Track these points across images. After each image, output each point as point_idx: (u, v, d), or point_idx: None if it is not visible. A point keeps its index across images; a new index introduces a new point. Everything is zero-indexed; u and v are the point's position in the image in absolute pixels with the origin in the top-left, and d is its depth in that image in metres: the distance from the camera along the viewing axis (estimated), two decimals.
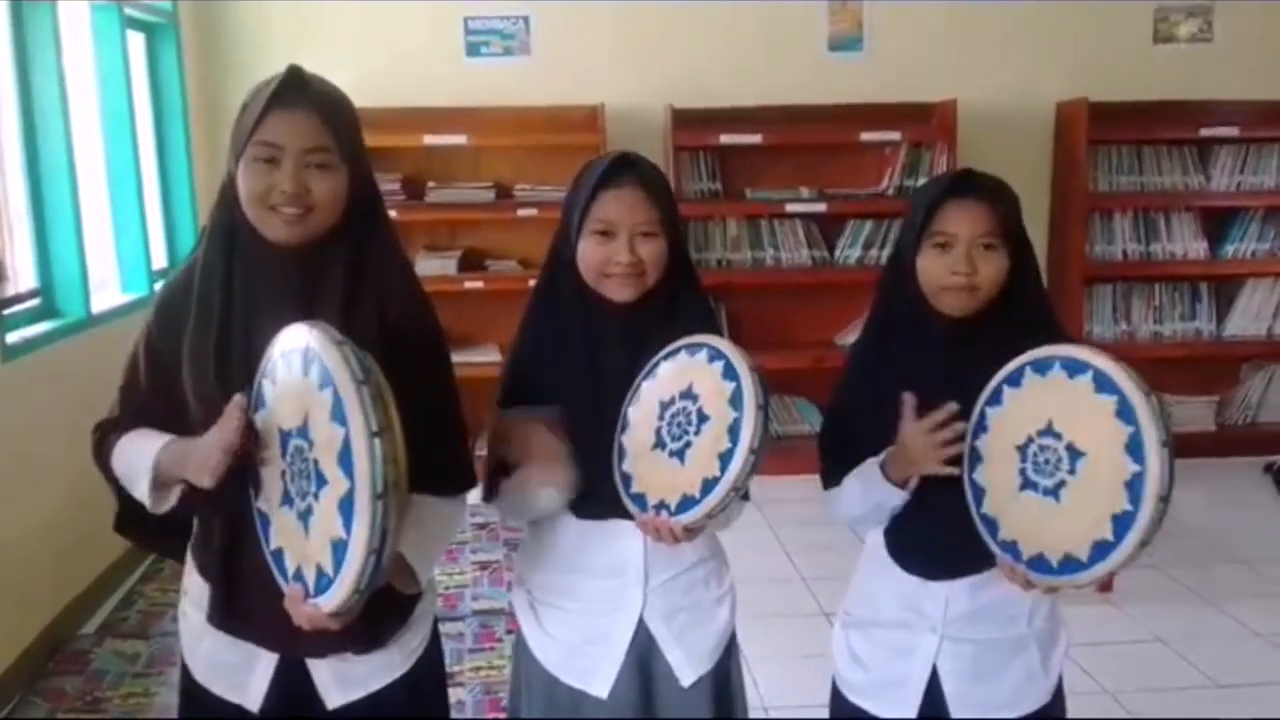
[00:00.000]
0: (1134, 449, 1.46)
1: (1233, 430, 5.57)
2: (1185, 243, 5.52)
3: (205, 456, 1.43)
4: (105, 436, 1.62)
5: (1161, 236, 5.51)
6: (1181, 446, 5.05)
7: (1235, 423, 5.62)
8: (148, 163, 4.71)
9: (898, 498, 1.73)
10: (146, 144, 4.72)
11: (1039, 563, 1.56)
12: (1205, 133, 5.35)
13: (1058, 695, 1.84)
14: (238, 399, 1.44)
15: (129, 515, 1.66)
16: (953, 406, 1.64)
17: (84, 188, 3.94)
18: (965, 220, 1.70)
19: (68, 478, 3.39)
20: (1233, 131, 5.35)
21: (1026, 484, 1.57)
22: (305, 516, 1.40)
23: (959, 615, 1.77)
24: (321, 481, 1.37)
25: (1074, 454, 1.52)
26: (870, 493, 1.76)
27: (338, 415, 1.33)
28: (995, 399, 1.62)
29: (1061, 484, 1.53)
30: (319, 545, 1.38)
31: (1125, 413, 1.48)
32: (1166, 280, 5.56)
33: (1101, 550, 1.48)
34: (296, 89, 1.52)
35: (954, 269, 1.69)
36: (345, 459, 1.33)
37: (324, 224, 1.54)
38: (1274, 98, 5.38)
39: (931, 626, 1.78)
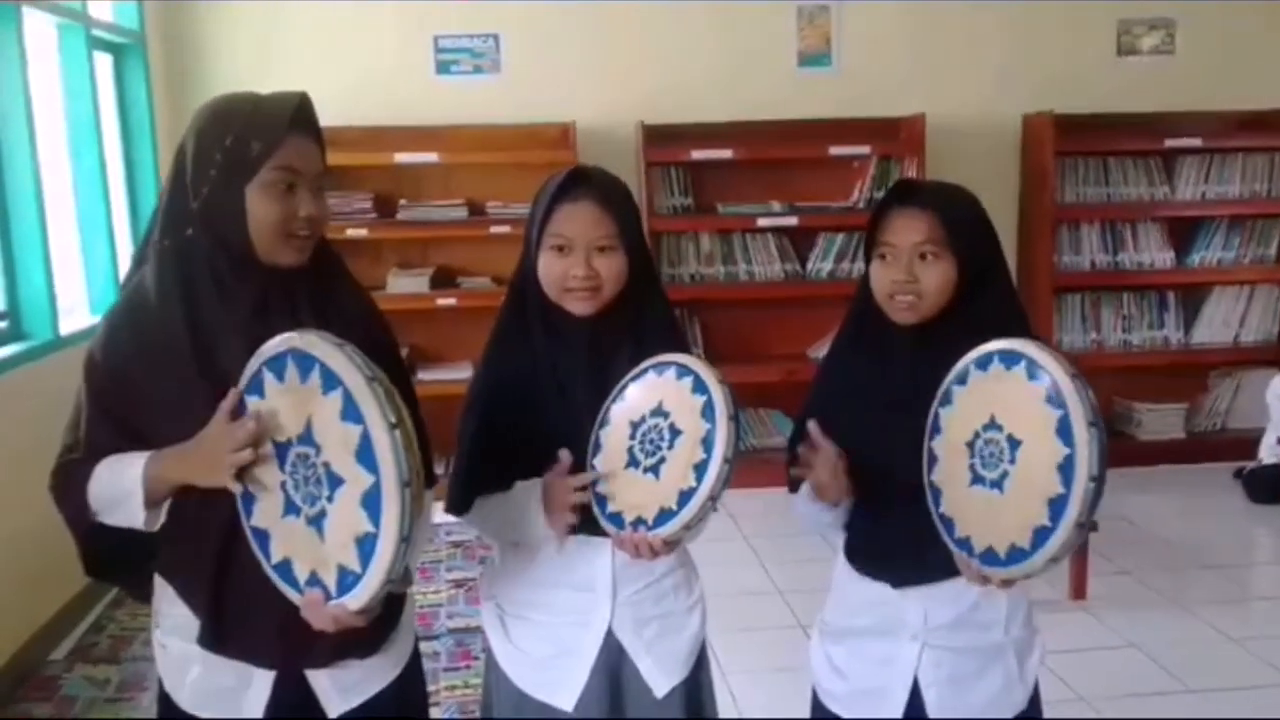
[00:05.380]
0: (1063, 431, 1.49)
1: (1203, 437, 5.62)
2: (1152, 252, 5.58)
3: (215, 457, 1.42)
4: (68, 473, 1.58)
5: (1129, 246, 5.57)
6: (1152, 453, 5.10)
7: (1205, 429, 5.68)
8: (115, 184, 4.68)
9: (828, 515, 1.78)
10: (114, 165, 4.70)
11: (989, 556, 1.58)
12: (1170, 144, 5.42)
13: (1034, 702, 1.85)
14: (233, 394, 1.43)
15: (97, 556, 1.63)
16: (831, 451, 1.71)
17: (51, 209, 3.91)
18: (903, 230, 1.72)
19: (36, 501, 3.34)
20: (1196, 142, 5.42)
21: (975, 479, 1.60)
22: (318, 521, 1.40)
23: (939, 624, 1.78)
24: (336, 483, 1.37)
25: (1013, 443, 1.55)
26: (807, 508, 1.81)
27: (350, 414, 1.35)
28: (946, 400, 1.65)
29: (1004, 475, 1.56)
30: (340, 545, 1.38)
31: (1054, 397, 1.50)
32: (1134, 289, 5.62)
33: (1041, 535, 1.50)
34: (309, 117, 1.55)
35: (894, 278, 1.71)
36: (365, 454, 1.34)
37: (315, 245, 1.58)
38: (1236, 108, 5.47)
39: (912, 635, 1.79)
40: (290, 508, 1.43)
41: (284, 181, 1.50)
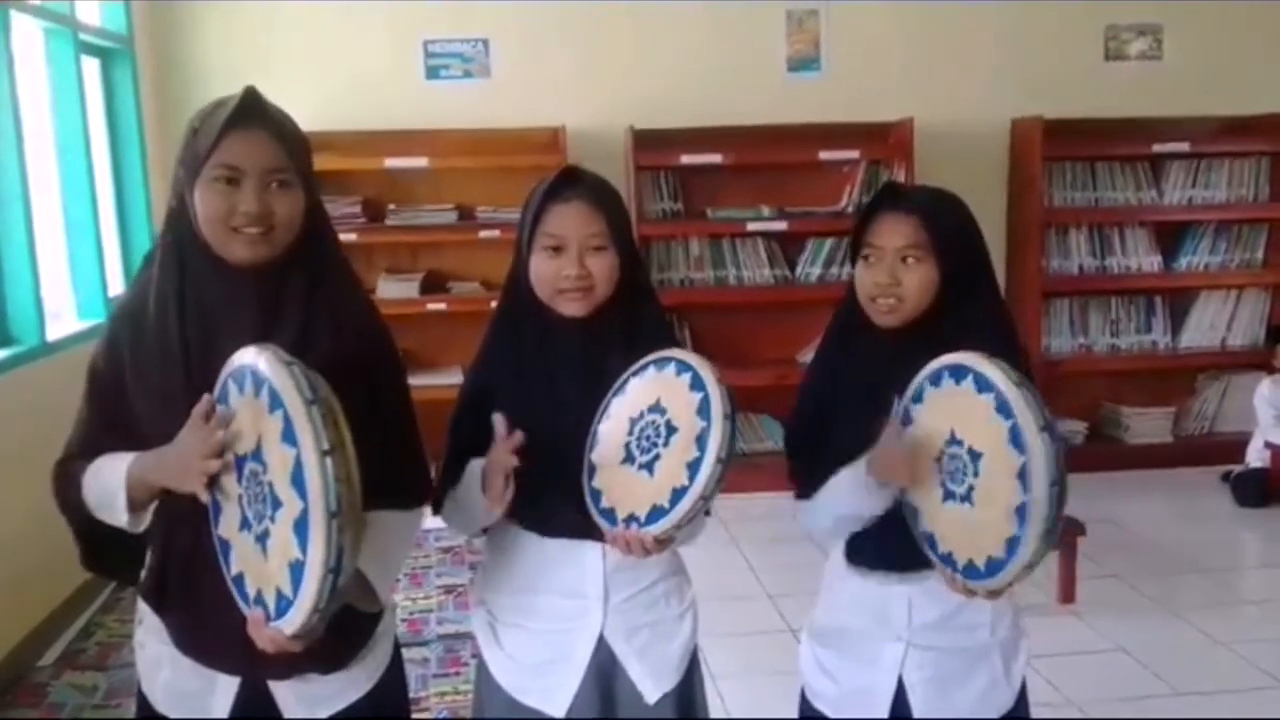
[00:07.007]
0: (1016, 440, 1.50)
1: (1190, 441, 5.63)
2: (1140, 257, 5.61)
3: (187, 462, 1.41)
4: (67, 471, 1.59)
5: (1116, 251, 5.59)
6: (1140, 457, 5.12)
7: (1192, 433, 5.69)
8: (103, 189, 4.66)
9: (881, 508, 1.70)
10: (102, 170, 4.67)
11: (971, 570, 1.59)
12: (1157, 148, 5.44)
13: (1020, 703, 1.86)
14: (206, 399, 1.43)
15: (94, 550, 1.64)
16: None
17: (38, 214, 3.90)
18: (888, 233, 1.72)
19: (25, 507, 3.34)
20: (1183, 147, 5.44)
21: (947, 495, 1.61)
22: (263, 540, 1.39)
23: (923, 624, 1.78)
24: (277, 504, 1.36)
25: (974, 456, 1.56)
26: (855, 497, 1.71)
27: (289, 437, 1.33)
28: (907, 419, 1.66)
29: (971, 488, 1.57)
30: (278, 568, 1.37)
31: (1003, 407, 1.51)
32: (1122, 294, 5.65)
33: (1012, 545, 1.51)
34: (253, 111, 1.53)
35: (876, 280, 1.72)
36: (298, 480, 1.32)
37: (283, 243, 1.54)
38: (1222, 113, 5.49)
39: (897, 635, 1.80)
40: (244, 522, 1.42)
41: (223, 177, 1.50)
